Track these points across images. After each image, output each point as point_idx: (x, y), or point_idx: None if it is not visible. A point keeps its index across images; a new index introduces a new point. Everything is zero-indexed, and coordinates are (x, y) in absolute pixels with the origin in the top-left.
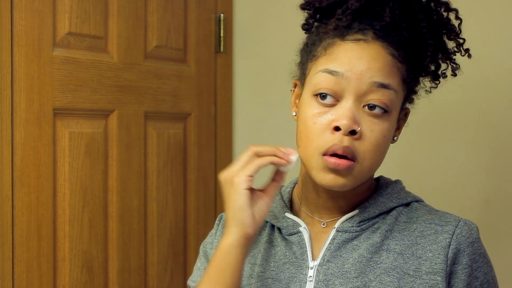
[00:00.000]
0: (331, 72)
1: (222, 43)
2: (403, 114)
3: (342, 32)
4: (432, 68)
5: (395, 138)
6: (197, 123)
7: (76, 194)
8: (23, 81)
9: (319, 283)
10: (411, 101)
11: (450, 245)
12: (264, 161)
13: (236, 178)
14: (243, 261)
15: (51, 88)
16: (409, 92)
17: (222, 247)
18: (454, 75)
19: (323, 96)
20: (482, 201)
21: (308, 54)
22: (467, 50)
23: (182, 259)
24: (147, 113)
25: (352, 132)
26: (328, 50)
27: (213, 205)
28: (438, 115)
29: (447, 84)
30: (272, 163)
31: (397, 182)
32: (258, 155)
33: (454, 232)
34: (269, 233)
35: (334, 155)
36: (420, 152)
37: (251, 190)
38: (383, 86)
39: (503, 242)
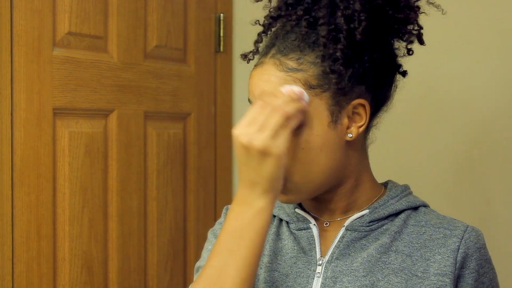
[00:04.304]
0: (249, 101)
1: (222, 43)
2: (354, 108)
3: (260, 58)
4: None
5: (349, 136)
6: (197, 123)
7: (76, 194)
8: (23, 81)
9: (327, 280)
10: (364, 91)
11: (459, 249)
12: (295, 123)
13: (275, 150)
14: (269, 224)
15: (51, 88)
16: (340, 88)
17: (253, 210)
18: (409, 52)
19: None
20: (483, 202)
21: None
22: (414, 8)
23: (182, 259)
24: (146, 113)
25: None
26: None
27: (213, 205)
28: (438, 115)
29: (447, 84)
30: (301, 120)
31: (406, 186)
32: (289, 118)
33: (463, 236)
34: (277, 225)
35: None
36: (420, 153)
37: None
38: None
39: (504, 242)
